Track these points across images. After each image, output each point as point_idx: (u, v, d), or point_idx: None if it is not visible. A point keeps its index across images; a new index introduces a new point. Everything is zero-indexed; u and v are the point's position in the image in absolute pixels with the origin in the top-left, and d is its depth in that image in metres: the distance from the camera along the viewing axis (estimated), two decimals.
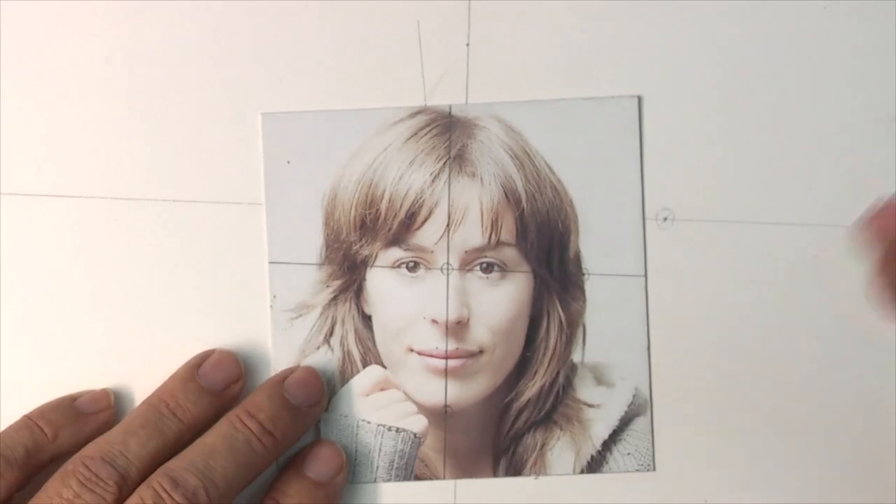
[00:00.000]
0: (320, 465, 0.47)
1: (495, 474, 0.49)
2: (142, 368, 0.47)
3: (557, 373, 0.49)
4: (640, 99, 0.49)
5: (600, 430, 0.49)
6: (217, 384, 0.47)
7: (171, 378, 0.47)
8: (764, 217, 0.49)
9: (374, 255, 0.48)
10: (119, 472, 0.43)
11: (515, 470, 0.49)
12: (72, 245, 0.48)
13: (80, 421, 0.46)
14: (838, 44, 0.49)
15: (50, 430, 0.46)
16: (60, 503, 0.43)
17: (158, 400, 0.46)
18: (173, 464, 0.44)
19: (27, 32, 0.49)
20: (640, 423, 0.49)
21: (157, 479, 0.43)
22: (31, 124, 0.48)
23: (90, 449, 0.44)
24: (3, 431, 0.46)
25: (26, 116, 0.48)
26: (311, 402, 0.47)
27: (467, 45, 0.48)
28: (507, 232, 0.48)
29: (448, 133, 0.48)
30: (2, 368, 0.48)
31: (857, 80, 0.49)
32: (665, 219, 0.49)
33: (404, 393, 0.49)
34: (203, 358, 0.47)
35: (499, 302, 0.48)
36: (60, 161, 0.48)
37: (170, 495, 0.43)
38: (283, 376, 0.47)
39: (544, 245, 0.48)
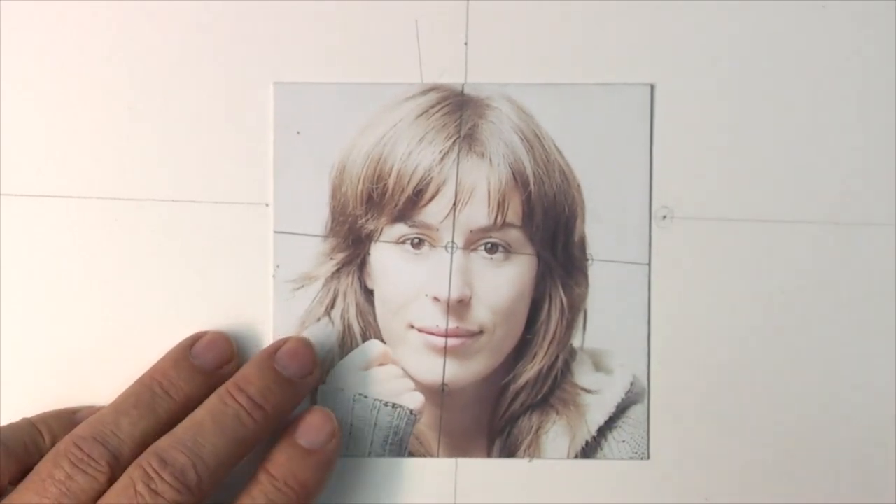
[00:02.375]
0: (311, 432, 0.46)
1: (489, 455, 0.49)
2: (142, 368, 0.47)
3: (556, 357, 0.49)
4: (652, 87, 0.49)
5: (596, 416, 0.49)
6: (209, 363, 0.46)
7: (163, 358, 0.47)
8: (766, 215, 0.49)
9: (379, 229, 0.48)
10: (111, 452, 0.43)
11: (510, 452, 0.49)
12: (72, 245, 0.48)
13: None
14: (839, 43, 0.49)
15: (48, 437, 0.45)
16: (53, 484, 0.42)
17: (150, 379, 0.46)
18: (162, 442, 0.43)
19: (27, 32, 0.48)
20: (636, 412, 0.49)
21: (146, 458, 0.43)
22: (31, 124, 0.48)
23: (82, 429, 0.44)
24: (5, 426, 0.45)
25: (26, 117, 0.48)
26: (304, 374, 0.47)
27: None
28: (514, 213, 0.48)
29: (459, 112, 0.48)
30: (2, 369, 0.48)
31: (857, 80, 0.49)
32: (664, 217, 0.49)
33: (402, 369, 0.49)
34: (195, 339, 0.47)
35: (501, 283, 0.48)
36: (60, 161, 0.48)
37: (159, 475, 0.42)
38: (275, 348, 0.47)
39: (550, 228, 0.48)
